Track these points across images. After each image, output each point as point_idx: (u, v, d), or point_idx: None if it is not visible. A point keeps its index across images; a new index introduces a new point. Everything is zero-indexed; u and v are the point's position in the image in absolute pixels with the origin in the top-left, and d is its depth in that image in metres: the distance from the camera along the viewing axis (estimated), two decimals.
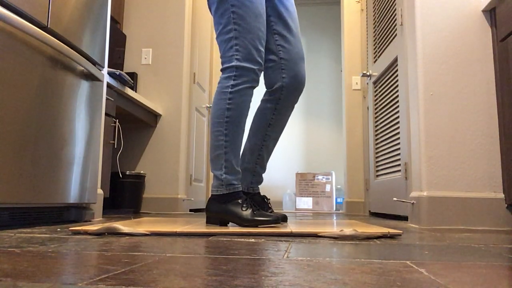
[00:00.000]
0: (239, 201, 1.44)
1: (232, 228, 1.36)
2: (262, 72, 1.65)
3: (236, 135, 1.49)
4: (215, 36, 1.83)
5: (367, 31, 3.43)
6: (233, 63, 1.48)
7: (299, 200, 4.49)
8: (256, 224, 1.38)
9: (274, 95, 1.65)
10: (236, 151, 1.50)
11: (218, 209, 1.47)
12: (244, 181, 1.66)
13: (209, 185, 3.94)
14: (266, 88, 1.68)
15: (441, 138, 1.87)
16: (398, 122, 2.48)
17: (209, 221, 1.51)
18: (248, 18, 1.49)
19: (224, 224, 1.49)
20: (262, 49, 1.53)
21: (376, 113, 3.05)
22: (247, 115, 1.52)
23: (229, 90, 1.48)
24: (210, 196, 1.49)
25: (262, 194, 1.69)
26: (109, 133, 2.42)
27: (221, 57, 1.53)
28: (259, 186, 1.70)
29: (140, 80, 3.20)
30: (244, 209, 1.41)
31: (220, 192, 1.48)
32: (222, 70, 1.53)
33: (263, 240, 1.13)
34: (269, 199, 1.71)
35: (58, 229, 1.39)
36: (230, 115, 1.48)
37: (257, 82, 1.52)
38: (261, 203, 1.68)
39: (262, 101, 1.68)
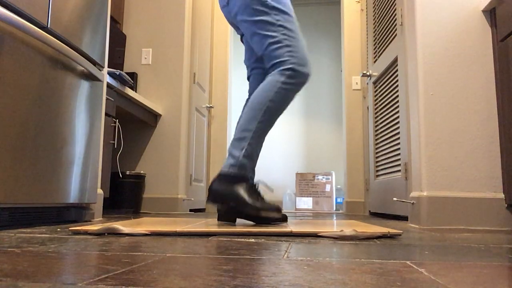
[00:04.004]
0: (246, 185, 1.48)
1: (232, 228, 1.36)
2: (250, 79, 1.79)
3: (267, 127, 1.56)
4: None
5: (367, 31, 3.43)
6: (289, 66, 1.56)
7: (299, 200, 4.49)
8: (257, 211, 1.41)
9: None
10: (261, 142, 1.56)
11: (223, 188, 1.49)
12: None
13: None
14: (252, 93, 1.78)
15: (441, 138, 1.87)
16: (398, 122, 2.48)
17: (211, 199, 1.51)
18: (294, 29, 1.61)
19: (225, 203, 1.48)
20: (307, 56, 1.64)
21: (376, 113, 3.05)
22: (283, 112, 1.60)
23: (280, 85, 1.55)
24: (220, 173, 1.52)
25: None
26: (109, 133, 2.42)
27: (275, 64, 1.58)
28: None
29: (140, 80, 3.20)
30: (250, 194, 1.46)
31: (231, 172, 1.50)
32: (273, 66, 1.58)
33: (263, 240, 1.13)
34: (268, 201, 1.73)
35: (58, 229, 1.39)
36: (271, 106, 1.54)
37: (303, 85, 1.61)
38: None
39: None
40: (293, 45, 1.58)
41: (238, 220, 1.77)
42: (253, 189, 1.49)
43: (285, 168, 5.39)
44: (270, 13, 1.60)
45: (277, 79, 1.55)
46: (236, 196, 1.46)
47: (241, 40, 1.88)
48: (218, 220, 1.69)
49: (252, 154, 1.53)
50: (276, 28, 1.59)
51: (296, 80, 1.57)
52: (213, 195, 1.51)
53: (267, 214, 1.43)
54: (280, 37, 1.58)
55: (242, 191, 1.46)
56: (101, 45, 2.00)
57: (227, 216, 1.59)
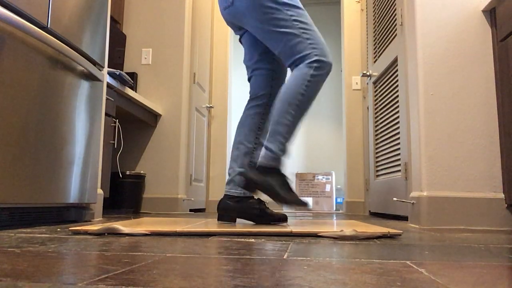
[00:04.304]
0: (279, 177, 1.55)
1: (232, 228, 1.36)
2: (252, 79, 1.80)
3: (299, 120, 1.60)
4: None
5: (367, 31, 3.43)
6: (314, 58, 1.59)
7: None
8: (287, 202, 1.50)
9: (262, 101, 1.77)
10: (294, 134, 1.61)
11: (259, 179, 1.55)
12: (238, 186, 1.68)
13: (209, 185, 3.94)
14: (254, 93, 1.78)
15: (441, 138, 1.87)
16: (398, 122, 2.48)
17: (246, 186, 1.57)
18: (309, 22, 1.63)
19: (258, 191, 1.57)
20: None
21: (376, 113, 3.05)
22: (312, 103, 1.65)
23: (309, 78, 1.58)
24: (254, 164, 1.60)
25: (257, 197, 1.70)
26: (109, 133, 2.42)
27: (298, 59, 1.61)
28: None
29: (140, 80, 3.20)
30: (281, 185, 1.53)
31: (269, 166, 1.56)
32: (297, 61, 1.61)
33: (263, 240, 1.13)
34: (267, 202, 1.75)
35: (58, 229, 1.39)
36: (302, 99, 1.58)
37: (330, 72, 1.65)
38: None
39: (250, 107, 1.78)
40: (312, 37, 1.60)
41: (238, 220, 1.77)
42: (285, 181, 1.56)
43: (285, 168, 5.39)
44: (282, 9, 1.60)
45: (305, 72, 1.58)
46: (269, 187, 1.53)
47: (240, 41, 1.87)
48: (218, 220, 1.69)
49: (287, 147, 1.59)
50: (292, 24, 1.60)
51: (323, 71, 1.60)
52: (248, 183, 1.57)
53: (297, 207, 1.53)
54: (297, 32, 1.60)
55: (275, 182, 1.54)
56: (101, 45, 2.00)
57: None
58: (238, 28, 1.79)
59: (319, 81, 1.60)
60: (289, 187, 1.55)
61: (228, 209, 1.67)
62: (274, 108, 1.61)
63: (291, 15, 1.60)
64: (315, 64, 1.58)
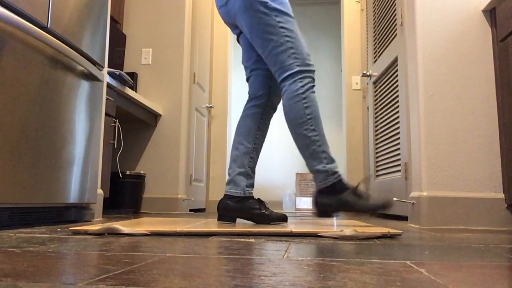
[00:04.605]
0: (350, 190, 1.56)
1: (232, 228, 1.36)
2: (250, 79, 1.81)
3: (321, 127, 1.62)
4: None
5: (367, 31, 3.43)
6: (296, 69, 1.62)
7: (299, 200, 4.49)
8: (371, 209, 1.51)
9: (261, 101, 1.77)
10: (326, 141, 1.62)
11: (332, 202, 1.56)
12: (239, 186, 1.68)
13: (209, 185, 3.94)
14: (252, 94, 1.79)
15: (441, 138, 1.87)
16: (398, 122, 2.48)
17: (322, 214, 1.59)
18: (295, 30, 1.65)
19: (331, 215, 1.60)
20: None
21: (376, 113, 3.05)
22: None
23: (300, 91, 1.61)
24: (317, 191, 1.60)
25: (257, 197, 1.70)
26: (109, 133, 2.42)
27: (279, 69, 1.64)
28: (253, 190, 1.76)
29: (140, 80, 3.20)
30: (358, 197, 1.54)
31: (330, 183, 1.57)
32: (284, 79, 1.64)
33: (263, 240, 1.13)
34: (267, 202, 1.74)
35: (58, 229, 1.39)
36: (310, 112, 1.60)
37: (314, 81, 1.68)
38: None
39: (249, 107, 1.78)
40: (295, 46, 1.63)
41: (238, 220, 1.77)
42: (356, 191, 1.57)
43: (285, 168, 5.39)
44: (271, 15, 1.61)
45: (295, 89, 1.61)
46: (347, 203, 1.55)
47: (237, 41, 1.87)
48: (218, 220, 1.69)
49: (330, 156, 1.60)
50: (278, 31, 1.61)
51: (308, 79, 1.63)
52: (323, 209, 1.59)
53: (377, 209, 1.54)
54: (282, 40, 1.62)
55: (350, 196, 1.55)
56: (101, 45, 1.99)
57: (227, 216, 1.65)
58: (234, 27, 1.79)
59: (311, 88, 1.63)
60: (363, 195, 1.56)
61: (228, 209, 1.67)
62: (293, 138, 1.63)
63: (279, 22, 1.62)
64: (298, 76, 1.61)
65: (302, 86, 1.61)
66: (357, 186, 1.59)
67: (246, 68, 1.84)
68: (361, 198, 1.54)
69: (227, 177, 1.75)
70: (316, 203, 1.60)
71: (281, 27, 1.62)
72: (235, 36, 2.11)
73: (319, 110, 1.64)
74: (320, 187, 1.59)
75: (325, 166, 1.57)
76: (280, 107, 5.49)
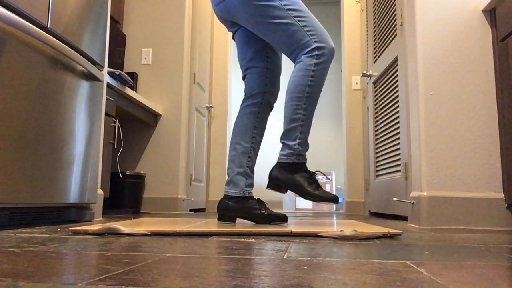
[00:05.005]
0: (305, 174, 1.56)
1: (232, 228, 1.36)
2: (246, 77, 1.80)
3: (312, 110, 1.61)
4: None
5: (367, 31, 3.43)
6: (314, 46, 1.58)
7: (299, 200, 4.49)
8: (318, 199, 1.51)
9: (257, 99, 1.76)
10: (310, 126, 1.62)
11: (284, 178, 1.57)
12: (238, 187, 1.67)
13: (209, 185, 3.94)
14: (248, 92, 1.78)
15: (441, 138, 1.87)
16: (398, 122, 2.48)
17: (272, 186, 1.60)
18: (304, 10, 1.61)
19: (286, 190, 1.60)
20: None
21: (376, 113, 3.05)
22: (321, 92, 1.65)
23: (312, 68, 1.58)
24: (277, 163, 1.61)
25: (257, 197, 1.71)
26: (109, 133, 2.42)
27: (297, 48, 1.60)
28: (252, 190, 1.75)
29: (140, 80, 3.20)
30: (309, 183, 1.54)
31: (290, 161, 1.57)
32: (296, 51, 1.60)
33: (263, 240, 1.13)
34: (267, 202, 1.74)
35: (58, 229, 1.39)
36: (311, 91, 1.59)
37: (332, 59, 1.64)
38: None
39: (245, 106, 1.77)
40: (309, 24, 1.59)
41: (238, 220, 1.77)
42: (311, 178, 1.57)
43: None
44: (275, 1, 1.59)
45: (308, 63, 1.58)
46: (297, 184, 1.55)
47: (233, 38, 1.86)
48: (218, 220, 1.69)
49: (305, 140, 1.60)
50: (286, 13, 1.59)
51: (325, 57, 1.59)
52: (274, 181, 1.59)
53: (326, 202, 1.54)
54: (293, 21, 1.59)
55: (302, 179, 1.55)
56: (101, 45, 2.00)
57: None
58: (231, 25, 1.77)
59: (324, 69, 1.59)
60: (317, 183, 1.56)
61: (228, 209, 1.67)
62: (285, 105, 1.62)
63: (285, 5, 1.59)
64: (315, 52, 1.58)
65: (316, 64, 1.57)
66: (313, 173, 1.59)
67: (241, 66, 1.83)
68: (312, 185, 1.54)
69: (226, 177, 1.75)
70: (271, 174, 1.60)
71: (289, 9, 1.58)
72: None
73: (321, 91, 1.62)
74: (281, 160, 1.59)
75: (295, 145, 1.57)
76: (276, 106, 5.49)
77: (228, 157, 1.75)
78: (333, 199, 1.53)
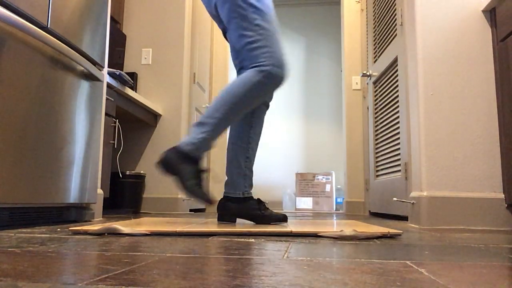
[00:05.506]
0: (194, 167, 1.55)
1: (232, 228, 1.36)
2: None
3: (231, 120, 1.58)
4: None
5: (367, 31, 3.43)
6: (266, 68, 1.56)
7: (299, 200, 4.49)
8: (192, 195, 1.52)
9: None
10: (220, 133, 1.59)
11: (174, 163, 1.55)
12: (237, 187, 1.67)
13: (209, 185, 3.94)
14: None
15: (441, 138, 1.87)
16: (398, 122, 2.48)
17: (161, 164, 1.58)
18: (271, 28, 1.59)
19: (170, 173, 1.57)
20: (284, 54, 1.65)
21: (376, 113, 3.05)
22: (248, 110, 1.62)
23: (253, 83, 1.56)
24: (177, 146, 1.58)
25: (256, 197, 1.70)
26: (109, 133, 2.42)
27: (250, 65, 1.59)
28: (251, 190, 1.73)
29: (140, 80, 3.20)
30: (190, 177, 1.53)
31: (187, 150, 1.55)
32: (250, 66, 1.59)
33: (263, 240, 1.13)
34: (267, 202, 1.72)
35: (58, 229, 1.39)
36: (240, 102, 1.57)
37: (280, 86, 1.61)
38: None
39: None
40: (269, 45, 1.57)
41: (238, 220, 1.77)
42: (198, 174, 1.55)
43: (285, 168, 5.39)
44: (248, 10, 1.58)
45: (252, 76, 1.56)
46: (180, 172, 1.53)
47: (224, 37, 1.84)
48: (218, 220, 1.69)
49: (209, 141, 1.57)
50: (253, 27, 1.58)
51: (271, 82, 1.57)
52: (164, 161, 1.56)
53: (196, 200, 1.52)
54: (256, 37, 1.57)
55: (187, 171, 1.53)
56: (101, 45, 1.99)
57: (227, 216, 1.65)
58: (219, 21, 1.75)
59: (263, 90, 1.57)
60: (200, 181, 1.54)
61: (228, 210, 1.67)
62: (215, 98, 1.60)
63: (255, 18, 1.58)
64: (264, 73, 1.56)
65: (260, 82, 1.55)
66: (201, 170, 1.57)
67: (235, 66, 1.81)
68: (195, 180, 1.53)
69: (225, 178, 1.74)
70: (166, 154, 1.57)
71: (257, 24, 1.57)
72: None
73: (249, 108, 1.60)
74: (180, 145, 1.57)
75: (199, 139, 1.55)
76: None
77: (226, 158, 1.75)
78: (207, 200, 1.51)
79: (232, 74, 4.91)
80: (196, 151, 1.55)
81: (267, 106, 1.79)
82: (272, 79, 1.56)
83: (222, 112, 1.56)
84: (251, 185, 1.71)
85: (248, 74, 1.57)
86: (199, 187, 1.53)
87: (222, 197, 1.72)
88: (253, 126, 1.74)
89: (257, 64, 1.57)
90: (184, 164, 1.53)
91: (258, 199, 1.67)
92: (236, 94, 1.56)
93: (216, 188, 3.93)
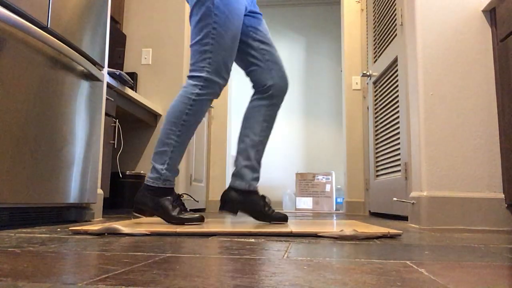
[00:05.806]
0: (170, 198, 1.55)
1: (232, 228, 1.36)
2: (251, 74, 1.76)
3: (187, 139, 1.60)
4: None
5: (367, 31, 3.44)
6: (203, 74, 1.57)
7: (299, 200, 4.49)
8: (182, 222, 1.49)
9: (267, 93, 1.73)
10: (182, 153, 1.60)
11: (149, 202, 1.56)
12: (244, 179, 1.67)
13: (210, 185, 3.94)
14: (257, 87, 1.75)
15: (441, 138, 1.87)
16: (398, 122, 2.48)
17: (136, 210, 1.59)
18: (226, 38, 1.58)
19: (151, 215, 1.58)
20: (230, 68, 1.64)
21: (376, 113, 3.05)
22: (200, 122, 1.63)
23: (193, 97, 1.57)
24: (145, 185, 1.59)
25: (261, 194, 1.69)
26: (109, 133, 2.42)
27: (192, 65, 1.60)
28: (257, 185, 1.73)
29: (140, 80, 3.20)
30: (174, 206, 1.53)
31: (156, 185, 1.56)
32: (190, 77, 1.60)
33: (263, 240, 1.13)
34: (270, 200, 1.72)
35: (58, 229, 1.39)
36: (187, 119, 1.58)
37: (218, 95, 1.63)
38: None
39: (255, 99, 1.75)
40: (215, 51, 1.57)
41: (238, 220, 1.77)
42: (177, 201, 1.56)
43: (285, 168, 5.39)
44: (211, 12, 1.56)
45: (191, 92, 1.57)
46: (162, 208, 1.53)
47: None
48: (219, 209, 1.70)
49: (175, 165, 1.59)
50: (207, 30, 1.57)
51: (208, 90, 1.58)
52: (139, 206, 1.58)
53: (192, 223, 1.51)
54: (206, 41, 1.57)
55: (167, 203, 1.54)
56: (101, 45, 1.99)
57: (229, 206, 1.66)
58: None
59: (204, 101, 1.58)
60: (182, 206, 1.55)
61: (231, 201, 1.67)
62: (162, 126, 1.61)
63: (214, 22, 1.56)
64: (200, 83, 1.56)
65: (199, 94, 1.56)
66: (179, 196, 1.58)
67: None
68: (176, 209, 1.52)
69: (227, 176, 1.74)
70: (136, 197, 1.58)
71: (213, 28, 1.56)
72: None
73: (199, 120, 1.60)
74: (148, 183, 1.57)
75: (162, 170, 1.55)
76: (284, 104, 5.49)
77: (236, 149, 1.74)
78: (198, 219, 1.51)
79: (232, 74, 4.91)
80: (165, 183, 1.56)
81: (279, 105, 1.77)
82: (208, 87, 1.57)
83: (174, 136, 1.57)
84: (257, 179, 1.71)
85: (186, 89, 1.58)
86: (183, 212, 1.53)
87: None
88: (266, 120, 1.73)
89: (196, 68, 1.58)
90: (161, 199, 1.54)
91: (262, 196, 1.67)
92: (180, 115, 1.57)
93: (216, 188, 3.93)
